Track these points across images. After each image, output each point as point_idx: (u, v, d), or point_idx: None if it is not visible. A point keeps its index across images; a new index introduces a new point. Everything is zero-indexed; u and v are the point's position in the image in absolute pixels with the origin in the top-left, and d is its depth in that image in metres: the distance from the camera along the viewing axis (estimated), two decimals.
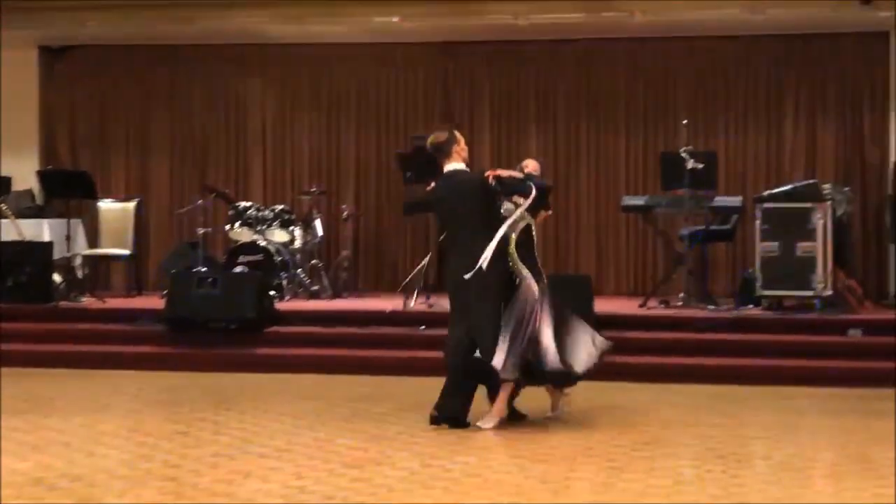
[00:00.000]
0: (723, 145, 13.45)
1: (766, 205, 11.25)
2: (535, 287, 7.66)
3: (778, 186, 11.97)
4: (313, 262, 12.76)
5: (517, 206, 7.85)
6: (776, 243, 11.03)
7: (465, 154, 8.10)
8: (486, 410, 7.70)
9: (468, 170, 8.06)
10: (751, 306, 11.23)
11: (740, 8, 12.22)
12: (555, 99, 13.98)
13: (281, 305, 11.54)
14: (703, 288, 11.85)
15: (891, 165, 13.07)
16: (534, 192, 7.75)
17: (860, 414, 8.36)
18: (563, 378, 7.73)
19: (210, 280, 11.10)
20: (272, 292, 11.57)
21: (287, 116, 14.48)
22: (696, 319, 10.83)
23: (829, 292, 10.97)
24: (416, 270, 11.16)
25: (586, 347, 7.77)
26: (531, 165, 8.59)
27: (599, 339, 7.90)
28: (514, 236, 7.77)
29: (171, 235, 14.37)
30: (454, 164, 7.99)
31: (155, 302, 11.81)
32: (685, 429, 7.73)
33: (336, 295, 12.64)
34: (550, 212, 8.64)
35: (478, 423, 7.59)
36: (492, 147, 14.06)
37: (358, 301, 12.43)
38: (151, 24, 13.18)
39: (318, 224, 12.87)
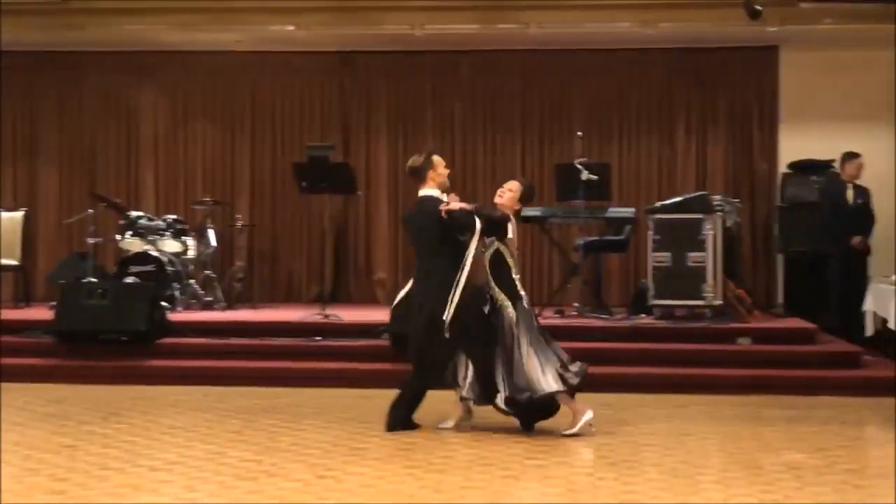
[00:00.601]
0: (616, 157, 13.63)
1: (658, 216, 11.41)
2: (510, 311, 7.88)
3: (670, 198, 12.15)
4: (206, 272, 12.60)
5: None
6: (668, 254, 11.18)
7: (441, 179, 8.18)
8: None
9: (437, 197, 8.10)
10: (644, 316, 11.37)
11: (633, 22, 12.41)
12: (451, 109, 14.04)
13: (173, 317, 11.37)
14: (597, 298, 11.97)
15: (779, 177, 13.37)
16: (476, 227, 7.91)
17: (749, 421, 8.51)
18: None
19: (100, 291, 10.89)
20: (164, 303, 11.39)
21: (180, 125, 14.30)
22: (591, 329, 10.92)
23: (718, 302, 11.16)
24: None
25: (553, 369, 7.79)
26: (512, 187, 8.37)
27: (573, 365, 7.95)
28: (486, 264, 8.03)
29: (60, 246, 14.09)
30: (427, 190, 8.16)
31: (44, 313, 11.54)
32: (578, 437, 7.78)
33: (229, 306, 12.51)
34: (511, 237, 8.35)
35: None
36: (389, 156, 14.06)
37: (252, 312, 12.31)
38: (42, 31, 12.92)
39: (211, 234, 12.72)
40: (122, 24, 12.80)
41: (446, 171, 8.26)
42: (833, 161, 12.82)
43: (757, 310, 11.61)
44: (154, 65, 14.21)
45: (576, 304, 11.66)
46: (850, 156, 12.04)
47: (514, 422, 8.01)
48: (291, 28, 12.77)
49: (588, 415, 7.80)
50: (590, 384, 8.03)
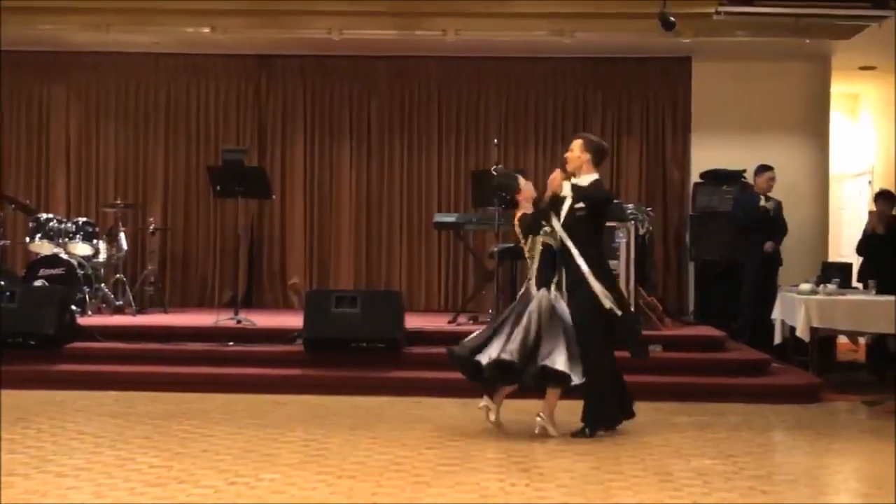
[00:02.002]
0: (532, 164, 13.71)
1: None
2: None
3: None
4: (118, 276, 12.43)
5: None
6: None
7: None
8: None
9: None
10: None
11: (548, 31, 12.50)
12: (368, 114, 14.03)
13: (83, 321, 11.19)
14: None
15: (690, 186, 13.56)
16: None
17: (659, 427, 8.60)
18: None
19: (8, 294, 10.69)
20: (74, 307, 11.21)
21: (93, 126, 14.10)
22: None
23: (630, 309, 11.25)
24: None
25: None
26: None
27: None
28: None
29: None
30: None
31: None
32: (490, 443, 7.81)
33: (141, 310, 12.35)
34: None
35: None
36: (305, 160, 14.01)
37: (163, 317, 12.17)
38: None
39: (123, 237, 12.55)
40: (34, 24, 12.55)
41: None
42: (744, 171, 13.06)
43: (668, 317, 11.75)
44: (66, 65, 14.00)
45: (490, 311, 11.69)
46: (761, 168, 12.30)
47: (427, 426, 8.04)
48: (208, 30, 12.65)
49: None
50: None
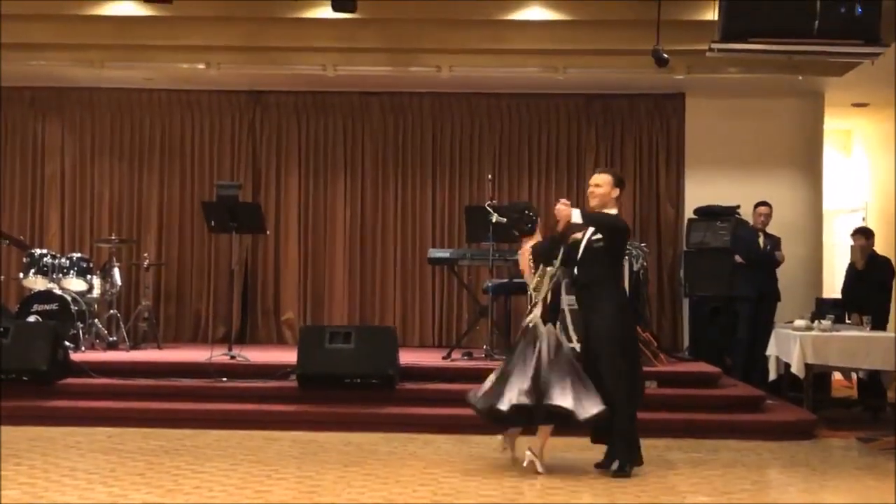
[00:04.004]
0: (526, 198, 13.72)
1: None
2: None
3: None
4: (112, 311, 12.41)
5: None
6: (572, 296, 11.21)
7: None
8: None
9: None
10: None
11: (541, 67, 12.57)
12: (363, 150, 14.07)
13: (76, 356, 11.15)
14: (507, 340, 12.01)
15: (684, 222, 13.58)
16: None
17: (653, 464, 8.56)
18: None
19: (1, 329, 10.66)
20: (67, 343, 11.18)
21: (87, 161, 14.12)
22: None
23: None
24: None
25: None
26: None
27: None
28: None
29: None
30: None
31: None
32: (484, 479, 7.77)
33: (135, 346, 12.32)
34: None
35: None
36: (299, 195, 14.03)
37: (157, 353, 12.13)
38: None
39: (117, 273, 12.54)
40: (28, 60, 12.59)
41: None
42: (738, 207, 13.09)
43: (662, 353, 11.73)
44: (61, 100, 14.04)
45: (485, 347, 11.67)
46: (758, 204, 12.42)
47: (420, 463, 8.01)
48: (202, 66, 12.70)
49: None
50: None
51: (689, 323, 13.51)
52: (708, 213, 13.35)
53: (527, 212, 8.22)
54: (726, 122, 13.67)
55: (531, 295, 8.11)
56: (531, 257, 8.08)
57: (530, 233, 8.17)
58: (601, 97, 13.87)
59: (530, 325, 8.02)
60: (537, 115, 13.97)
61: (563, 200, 8.04)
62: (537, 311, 8.03)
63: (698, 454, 9.00)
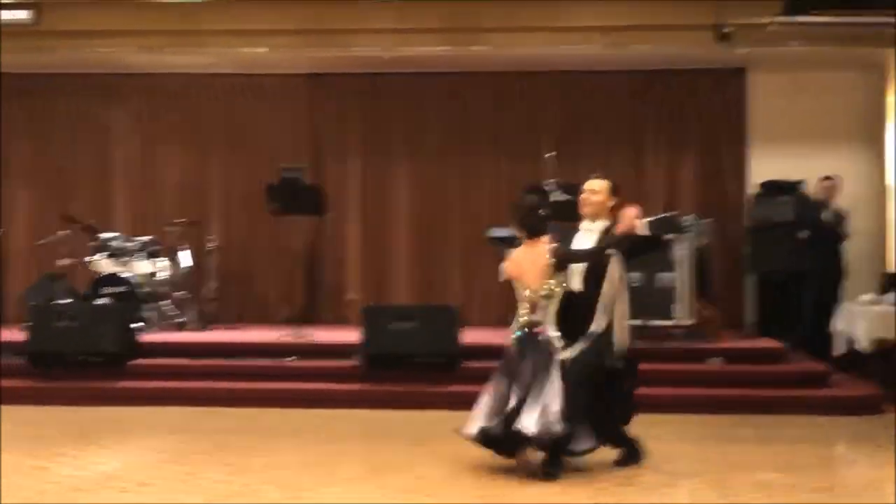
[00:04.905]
0: (586, 178, 13.63)
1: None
2: None
3: (640, 218, 12.19)
4: (179, 293, 12.59)
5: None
6: (638, 274, 11.23)
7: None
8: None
9: None
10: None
11: (601, 44, 12.51)
12: (422, 131, 14.09)
13: (145, 338, 11.35)
14: None
15: (748, 198, 13.47)
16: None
17: (720, 440, 8.57)
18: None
19: (71, 313, 10.87)
20: (136, 325, 11.37)
21: (152, 147, 14.28)
22: None
23: (689, 322, 11.23)
24: None
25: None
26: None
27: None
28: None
29: (31, 267, 14.02)
30: None
31: (15, 335, 11.51)
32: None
33: (202, 327, 12.49)
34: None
35: None
36: (360, 178, 14.10)
37: (225, 333, 12.29)
38: (12, 53, 12.88)
39: (183, 255, 12.71)
40: (93, 47, 12.77)
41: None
42: (802, 181, 12.96)
43: (727, 330, 11.69)
44: (125, 87, 14.21)
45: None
46: (823, 178, 12.29)
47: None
48: (263, 50, 12.80)
49: None
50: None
51: (753, 299, 13.42)
52: (772, 188, 13.21)
53: (540, 211, 7.49)
54: (789, 96, 13.52)
55: (542, 301, 7.26)
56: (554, 261, 7.23)
57: (540, 234, 7.36)
58: (662, 73, 13.76)
59: (550, 339, 7.18)
60: (597, 93, 13.90)
61: (635, 207, 7.40)
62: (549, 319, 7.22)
63: (764, 430, 8.97)
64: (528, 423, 6.94)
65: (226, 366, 10.76)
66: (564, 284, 7.28)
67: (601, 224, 7.47)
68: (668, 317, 11.16)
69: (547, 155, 12.18)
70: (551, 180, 11.58)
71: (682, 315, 11.14)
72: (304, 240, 13.37)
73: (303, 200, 11.77)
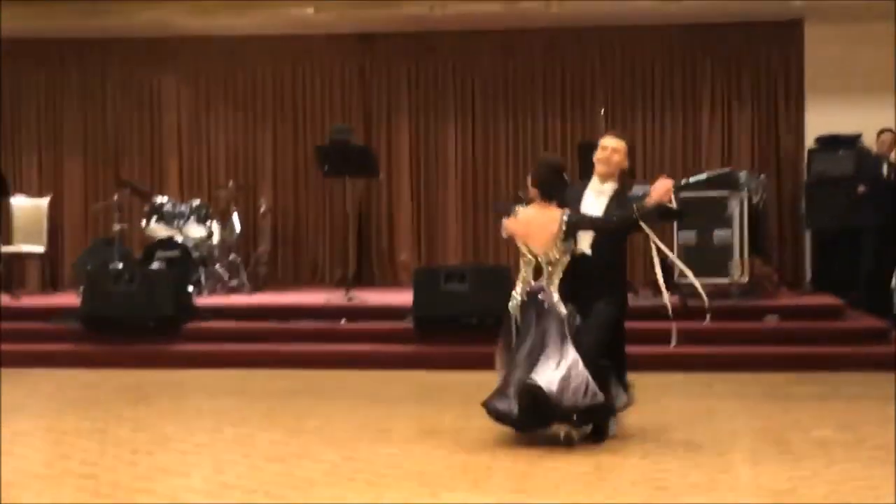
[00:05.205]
0: (640, 134, 13.56)
1: (684, 193, 11.32)
2: None
3: (695, 175, 12.08)
4: (231, 257, 12.63)
5: None
6: (693, 231, 11.13)
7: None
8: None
9: None
10: (669, 294, 11.30)
11: None
12: (473, 90, 13.99)
13: (199, 301, 11.40)
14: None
15: (805, 153, 13.27)
16: None
17: (777, 398, 8.49)
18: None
19: (126, 276, 10.94)
20: (190, 288, 11.43)
21: (202, 110, 14.30)
22: None
23: (745, 279, 11.11)
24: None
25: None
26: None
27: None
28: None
29: (85, 232, 14.16)
30: None
31: (71, 299, 11.61)
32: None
33: (254, 290, 12.53)
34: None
35: None
36: (411, 138, 14.04)
37: (277, 295, 12.32)
38: (62, 19, 12.93)
39: (235, 219, 12.75)
40: (142, 11, 12.79)
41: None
42: (860, 135, 12.74)
43: (784, 287, 11.56)
44: (175, 51, 14.22)
45: None
46: (881, 131, 12.06)
47: None
48: (311, 11, 12.74)
49: None
50: None
51: (811, 255, 13.24)
52: (829, 143, 13.00)
53: (562, 174, 7.03)
54: (846, 48, 13.23)
55: (546, 268, 6.92)
56: (566, 224, 6.82)
57: (554, 199, 6.94)
58: (716, 27, 13.54)
59: (556, 307, 6.84)
60: (650, 48, 13.71)
61: (669, 179, 7.09)
62: (554, 288, 6.89)
63: (823, 388, 8.87)
64: (550, 386, 6.60)
65: (279, 328, 10.80)
66: (573, 250, 6.93)
67: (611, 186, 7.11)
68: (723, 274, 11.05)
69: (601, 112, 12.05)
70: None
71: (739, 273, 11.02)
72: (354, 201, 13.35)
73: (353, 162, 11.74)
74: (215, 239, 12.55)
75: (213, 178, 14.12)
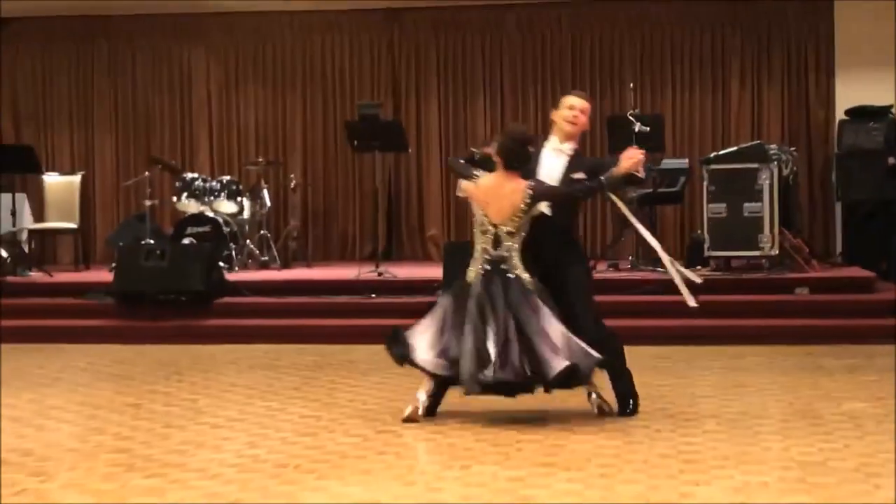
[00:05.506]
0: (669, 108, 13.52)
1: (713, 166, 11.31)
2: None
3: (724, 148, 12.03)
4: (262, 232, 12.69)
5: None
6: (723, 204, 11.09)
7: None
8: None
9: None
10: (699, 267, 11.29)
11: None
12: (501, 64, 13.97)
13: (230, 276, 11.47)
14: (651, 250, 11.89)
15: (835, 125, 13.18)
16: None
17: (807, 371, 8.46)
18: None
19: (158, 252, 11.02)
20: (221, 263, 11.50)
21: (232, 86, 14.36)
22: (645, 282, 10.88)
23: (776, 252, 11.07)
24: None
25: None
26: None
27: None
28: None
29: (117, 208, 14.29)
30: None
31: (103, 275, 11.72)
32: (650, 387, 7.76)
33: (285, 265, 12.59)
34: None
35: None
36: (439, 113, 14.04)
37: (307, 271, 12.39)
38: None
39: (265, 194, 12.80)
40: None
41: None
42: (891, 107, 12.65)
43: (815, 259, 11.51)
44: (204, 27, 14.28)
45: (630, 258, 11.62)
46: None
47: None
48: None
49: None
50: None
51: (841, 228, 13.18)
52: (860, 114, 12.90)
53: (527, 146, 6.83)
54: (877, 20, 13.12)
55: (507, 237, 6.72)
56: (530, 196, 6.65)
57: (517, 169, 6.75)
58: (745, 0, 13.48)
59: (521, 278, 6.70)
60: (680, 21, 13.65)
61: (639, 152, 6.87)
62: (518, 258, 6.72)
63: (853, 360, 8.84)
64: (555, 364, 6.46)
65: (309, 303, 10.86)
66: (534, 215, 6.72)
67: (570, 146, 6.94)
68: (754, 247, 11.01)
69: (630, 86, 12.00)
70: (633, 111, 11.44)
71: (769, 245, 10.99)
72: (383, 176, 13.38)
73: (382, 137, 11.75)
74: (246, 214, 12.61)
75: (243, 154, 14.17)
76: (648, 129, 11.25)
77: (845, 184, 12.85)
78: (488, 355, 6.54)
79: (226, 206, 12.42)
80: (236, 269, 11.98)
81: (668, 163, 12.04)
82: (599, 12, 13.74)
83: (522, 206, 6.67)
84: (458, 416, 6.96)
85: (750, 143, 11.95)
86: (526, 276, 6.69)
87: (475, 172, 6.93)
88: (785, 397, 7.48)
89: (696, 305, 7.21)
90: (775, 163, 11.26)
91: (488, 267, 6.76)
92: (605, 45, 13.81)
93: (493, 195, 6.76)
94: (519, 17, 13.88)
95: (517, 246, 6.72)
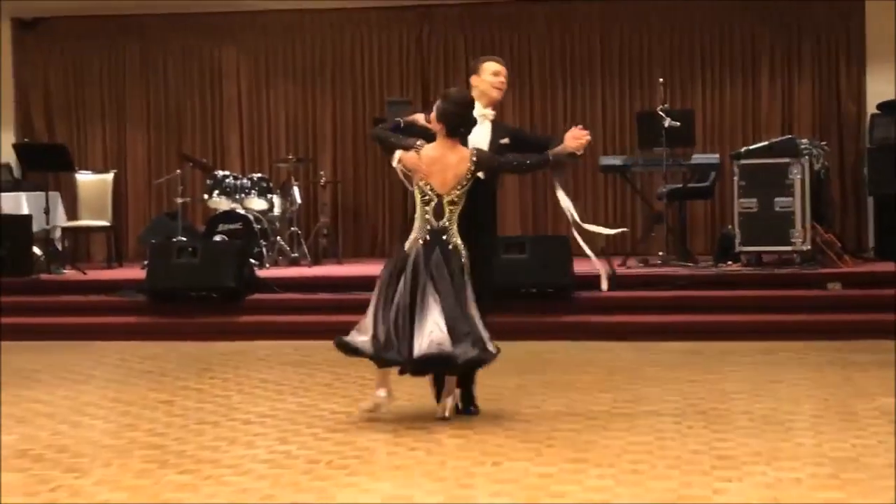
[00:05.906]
0: (700, 103, 13.47)
1: (744, 161, 11.27)
2: None
3: (755, 143, 11.99)
4: (292, 229, 12.74)
5: None
6: (754, 199, 11.06)
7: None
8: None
9: None
10: (730, 263, 11.27)
11: None
12: (529, 60, 13.95)
13: (261, 273, 11.53)
14: (682, 245, 11.89)
15: (867, 119, 13.10)
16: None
17: (840, 366, 8.43)
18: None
19: (190, 249, 11.09)
20: (252, 260, 11.55)
21: (262, 84, 14.41)
22: (676, 277, 10.87)
23: (807, 247, 11.02)
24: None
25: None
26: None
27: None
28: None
29: (149, 206, 14.36)
30: None
31: (135, 272, 11.81)
32: (665, 385, 7.76)
33: (316, 262, 12.63)
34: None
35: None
36: None
37: (338, 267, 12.43)
38: None
39: (296, 191, 12.84)
40: None
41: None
42: None
43: (847, 254, 11.44)
44: (234, 25, 14.33)
45: (661, 253, 11.60)
46: None
47: (599, 370, 8.01)
48: None
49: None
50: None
51: (874, 222, 13.08)
52: (892, 108, 12.81)
53: (472, 114, 6.74)
54: None
55: (446, 208, 6.68)
56: (476, 165, 6.64)
57: (460, 137, 6.70)
58: None
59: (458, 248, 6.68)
60: (710, 16, 13.59)
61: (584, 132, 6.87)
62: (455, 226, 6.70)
63: (886, 355, 8.77)
64: (464, 347, 6.48)
65: (340, 299, 10.87)
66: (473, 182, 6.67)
67: (491, 112, 6.93)
68: (785, 242, 10.97)
69: (660, 80, 11.97)
70: (663, 106, 11.41)
71: (800, 240, 10.94)
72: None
73: (411, 133, 11.73)
74: (276, 211, 12.66)
75: (273, 151, 14.23)
76: (678, 124, 11.23)
77: (877, 178, 12.75)
78: (409, 333, 6.61)
79: (256, 203, 12.48)
80: (267, 265, 12.03)
81: (699, 158, 12.00)
82: (629, 7, 13.69)
83: (468, 174, 6.65)
84: (488, 411, 6.97)
85: (781, 138, 11.89)
86: (461, 246, 6.66)
87: (417, 143, 6.82)
88: (817, 393, 7.45)
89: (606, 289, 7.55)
90: (806, 157, 11.22)
91: (428, 237, 6.70)
92: (635, 40, 13.77)
93: (438, 166, 6.67)
94: (548, 13, 13.86)
95: (456, 216, 6.69)
